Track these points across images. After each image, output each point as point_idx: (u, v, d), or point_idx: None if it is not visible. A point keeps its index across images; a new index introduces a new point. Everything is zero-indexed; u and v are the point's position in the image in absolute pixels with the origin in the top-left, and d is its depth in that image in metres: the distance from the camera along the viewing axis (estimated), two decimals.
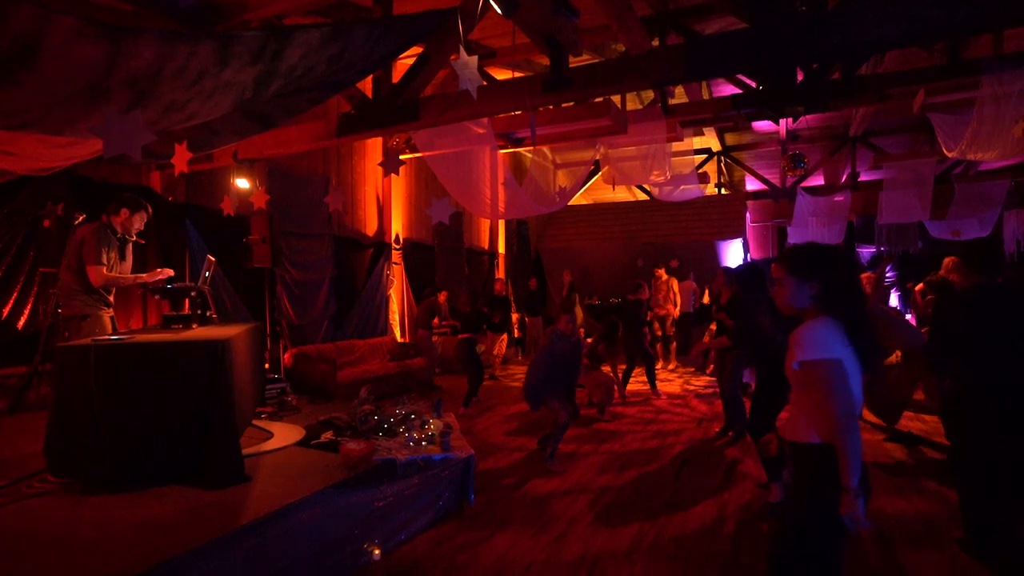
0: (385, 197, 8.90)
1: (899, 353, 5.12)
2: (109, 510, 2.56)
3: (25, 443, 3.40)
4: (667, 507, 3.73)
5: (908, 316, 6.44)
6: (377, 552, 2.98)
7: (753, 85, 6.37)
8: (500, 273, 11.99)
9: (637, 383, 7.89)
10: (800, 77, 5.29)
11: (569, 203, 10.59)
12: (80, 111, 2.70)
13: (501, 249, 12.27)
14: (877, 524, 3.39)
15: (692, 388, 7.81)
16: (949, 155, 6.21)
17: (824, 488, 1.65)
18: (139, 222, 4.06)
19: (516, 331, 11.19)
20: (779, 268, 1.82)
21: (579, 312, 11.19)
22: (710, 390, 7.70)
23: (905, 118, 11.09)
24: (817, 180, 13.18)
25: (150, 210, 4.16)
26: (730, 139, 13.59)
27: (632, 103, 8.87)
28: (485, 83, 4.10)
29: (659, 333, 9.83)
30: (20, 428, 3.92)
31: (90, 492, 2.75)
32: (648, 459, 4.76)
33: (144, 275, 4.10)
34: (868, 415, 5.69)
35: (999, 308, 2.94)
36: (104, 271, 3.80)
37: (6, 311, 4.71)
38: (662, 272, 10.06)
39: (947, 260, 6.59)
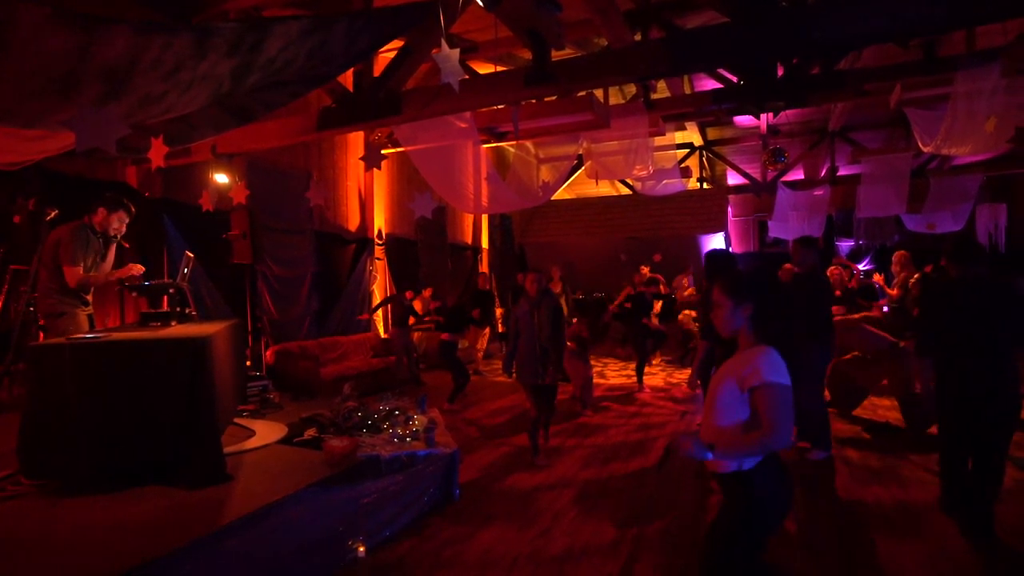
0: (367, 192, 8.82)
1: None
2: (86, 512, 2.51)
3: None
4: (651, 499, 3.76)
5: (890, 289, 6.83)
6: (362, 549, 2.96)
7: (734, 80, 6.42)
8: (484, 268, 11.98)
9: (622, 376, 7.95)
10: (780, 72, 5.34)
11: (552, 198, 10.60)
12: (52, 103, 2.63)
13: (485, 244, 12.25)
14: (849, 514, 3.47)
15: (675, 381, 7.88)
16: (925, 150, 6.33)
17: (750, 515, 1.81)
18: (117, 222, 3.95)
19: (500, 326, 11.18)
20: (717, 291, 1.95)
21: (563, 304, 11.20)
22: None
23: (882, 113, 11.26)
24: (797, 175, 13.35)
25: (133, 209, 4.05)
26: (712, 134, 13.70)
27: (615, 98, 8.88)
28: (467, 76, 4.07)
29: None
30: None
31: (66, 494, 2.69)
32: (632, 452, 4.80)
33: (116, 272, 4.00)
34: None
35: (972, 300, 3.11)
36: (80, 272, 3.72)
37: None
38: (646, 270, 10.12)
39: (897, 254, 6.91)
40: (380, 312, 8.85)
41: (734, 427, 1.83)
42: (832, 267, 7.70)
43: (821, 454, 4.39)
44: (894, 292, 6.78)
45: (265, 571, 2.48)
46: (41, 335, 3.91)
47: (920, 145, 6.29)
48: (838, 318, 5.67)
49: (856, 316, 5.60)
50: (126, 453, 2.81)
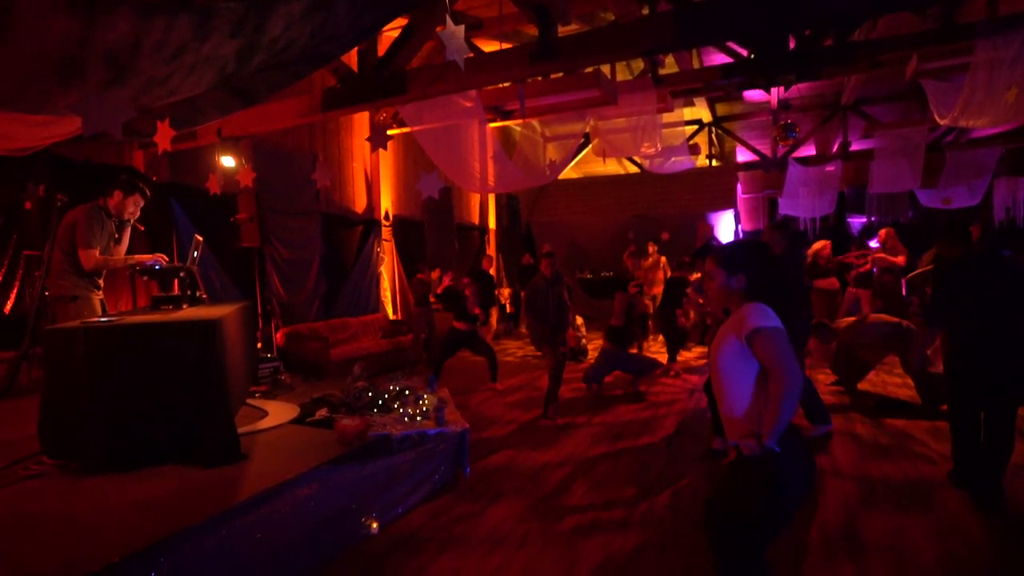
0: (373, 173, 8.79)
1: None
2: (106, 491, 2.57)
3: (19, 426, 3.39)
4: (660, 476, 3.79)
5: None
6: (375, 525, 3.02)
7: (744, 53, 6.28)
8: (491, 248, 11.96)
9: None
10: (792, 44, 5.22)
11: (559, 177, 10.51)
12: (56, 88, 2.62)
13: (492, 224, 12.21)
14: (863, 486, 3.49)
15: (683, 360, 7.89)
16: (941, 122, 6.17)
17: (773, 498, 1.72)
18: (133, 205, 3.97)
19: (509, 306, 11.21)
20: (710, 262, 1.92)
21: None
22: (702, 361, 7.79)
23: (897, 85, 11.00)
24: (808, 150, 13.13)
25: (148, 192, 4.07)
26: (721, 109, 13.47)
27: (622, 74, 8.74)
28: (472, 54, 4.02)
29: (650, 311, 9.89)
30: (13, 411, 3.90)
31: (86, 473, 2.75)
32: (641, 430, 4.83)
33: (137, 257, 4.02)
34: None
35: (978, 276, 3.18)
36: (95, 255, 3.74)
37: None
38: (653, 248, 10.08)
39: (882, 232, 7.00)
40: (389, 294, 8.89)
41: (750, 395, 1.77)
42: (821, 241, 7.72)
43: (822, 429, 4.40)
44: (900, 259, 6.84)
45: (280, 547, 2.54)
46: (52, 315, 3.95)
47: (936, 118, 6.14)
48: (843, 320, 5.63)
49: (852, 319, 5.54)
50: (142, 434, 2.86)
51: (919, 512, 3.16)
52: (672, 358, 7.27)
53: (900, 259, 7.22)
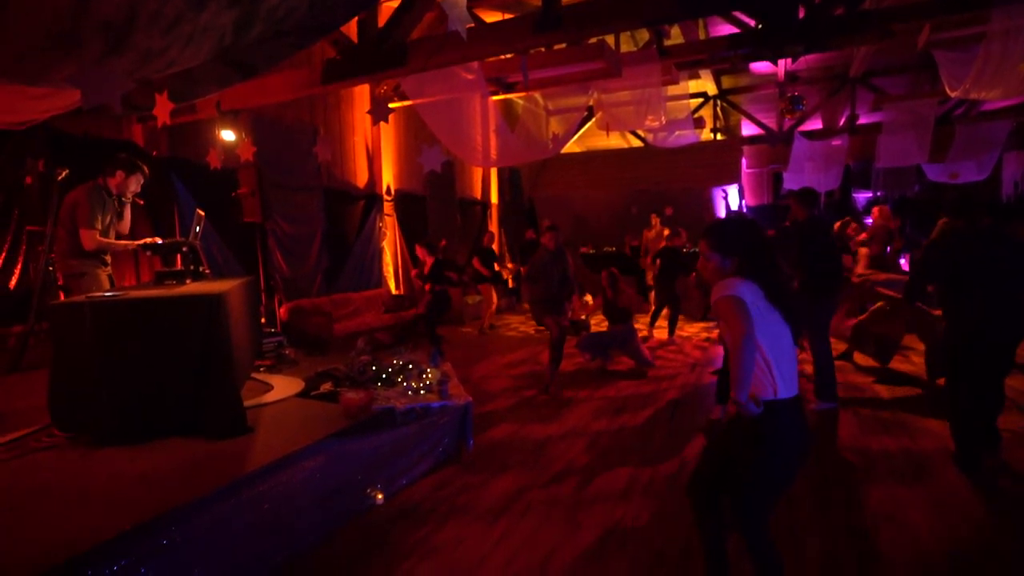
0: (375, 147, 8.71)
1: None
2: (116, 462, 2.62)
3: (29, 399, 3.43)
4: (662, 448, 3.84)
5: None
6: (380, 496, 3.08)
7: (751, 24, 6.14)
8: (493, 223, 11.91)
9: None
10: (801, 13, 5.09)
11: (562, 150, 10.41)
12: (52, 59, 2.58)
13: (494, 199, 12.14)
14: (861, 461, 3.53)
15: (686, 335, 7.92)
16: (952, 94, 6.06)
17: (764, 438, 1.84)
18: (135, 184, 4.02)
19: (511, 282, 11.21)
20: (703, 244, 1.97)
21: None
22: (703, 335, 7.82)
23: (907, 57, 10.77)
24: (815, 124, 12.93)
25: (147, 171, 4.09)
26: (727, 82, 13.23)
27: (626, 45, 8.57)
28: (473, 24, 3.94)
29: (651, 283, 9.92)
30: (23, 385, 3.95)
31: (96, 446, 2.80)
32: (643, 403, 4.87)
33: (135, 242, 4.07)
34: (859, 357, 5.82)
35: (978, 251, 3.23)
36: (97, 235, 3.77)
37: None
38: (656, 220, 10.04)
39: (875, 210, 6.94)
40: (391, 269, 8.89)
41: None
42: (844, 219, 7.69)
43: (824, 405, 4.43)
44: (863, 250, 6.78)
45: (288, 517, 2.59)
46: (61, 295, 3.99)
47: (947, 90, 6.02)
48: (855, 279, 5.64)
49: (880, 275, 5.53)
50: (149, 407, 2.90)
51: (918, 485, 3.20)
52: (671, 330, 7.42)
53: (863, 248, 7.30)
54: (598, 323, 7.99)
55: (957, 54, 5.85)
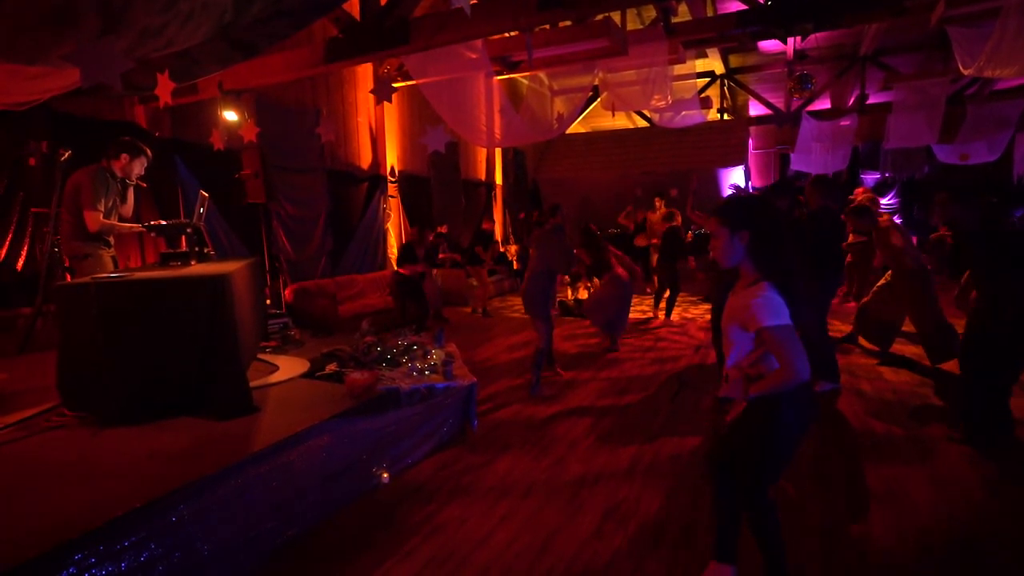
0: (378, 128, 8.65)
1: (889, 275, 5.13)
2: (125, 441, 2.65)
3: (39, 379, 3.47)
4: (664, 429, 3.86)
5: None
6: (385, 476, 3.12)
7: (761, 0, 6.02)
8: (497, 205, 11.86)
9: (636, 312, 7.99)
10: None
11: (567, 131, 10.31)
12: (48, 38, 2.56)
13: (498, 180, 12.07)
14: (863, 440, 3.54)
15: (690, 317, 7.91)
16: (965, 72, 5.94)
17: (775, 437, 1.89)
18: (139, 167, 4.05)
19: (516, 263, 11.20)
20: (714, 221, 1.92)
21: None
22: (707, 317, 7.81)
23: (919, 34, 10.57)
24: (823, 104, 12.75)
25: (150, 154, 4.10)
26: (734, 61, 13.05)
27: (632, 23, 8.43)
28: (476, 0, 3.88)
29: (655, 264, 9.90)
30: (32, 366, 4.00)
31: (104, 425, 2.83)
32: (647, 384, 4.89)
33: (139, 225, 4.09)
34: (863, 341, 5.80)
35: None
36: (100, 217, 3.79)
37: (3, 252, 4.68)
38: (660, 203, 9.97)
39: (857, 191, 7.05)
40: (395, 251, 8.89)
41: (749, 349, 1.90)
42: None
43: (828, 385, 4.43)
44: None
45: (294, 495, 2.62)
46: (68, 276, 4.02)
47: (960, 67, 5.91)
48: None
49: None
50: (156, 387, 2.92)
51: (917, 463, 3.22)
52: (668, 311, 7.57)
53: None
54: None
55: (971, 30, 5.73)
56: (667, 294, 7.63)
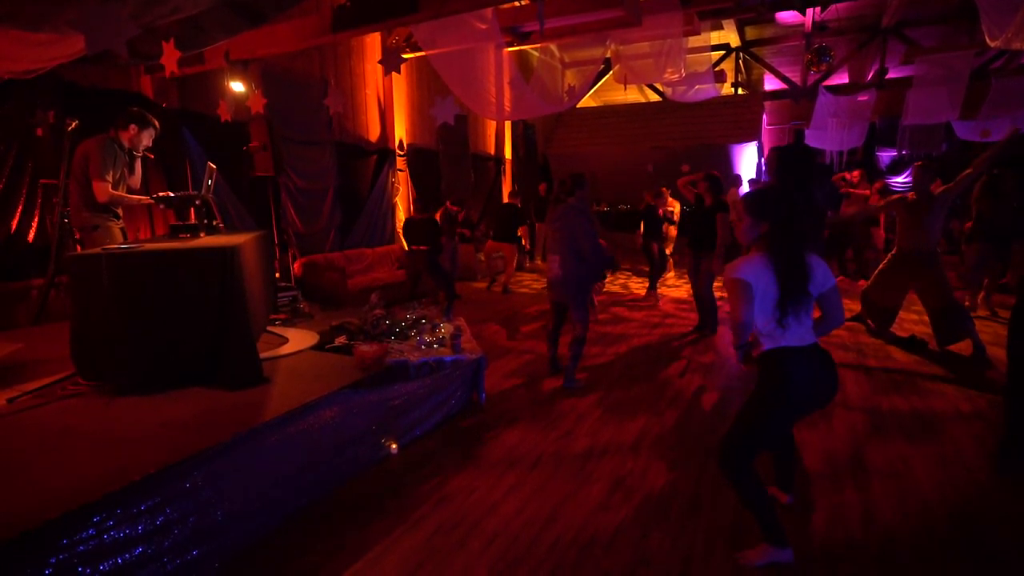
0: (387, 101, 8.55)
1: (891, 256, 5.06)
2: (138, 410, 2.69)
3: (54, 349, 3.52)
4: (671, 404, 3.88)
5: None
6: (394, 446, 3.16)
7: None
8: (507, 179, 11.75)
9: (643, 289, 7.96)
10: None
11: (578, 105, 10.13)
12: (53, 3, 2.52)
13: (508, 154, 11.94)
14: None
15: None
16: (992, 44, 5.71)
17: (780, 389, 2.09)
18: (147, 138, 4.04)
19: (525, 240, 11.14)
20: (740, 207, 2.20)
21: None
22: (717, 295, 7.77)
23: (944, 5, 10.23)
24: (840, 78, 12.43)
25: (158, 125, 4.08)
26: (750, 33, 12.71)
27: None
28: None
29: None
30: (48, 335, 4.05)
31: (118, 394, 2.87)
32: (654, 361, 4.89)
33: (145, 198, 4.08)
34: (871, 322, 5.75)
35: None
36: (109, 188, 3.78)
37: (14, 224, 4.71)
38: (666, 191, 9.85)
39: (856, 172, 7.26)
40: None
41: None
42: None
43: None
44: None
45: (304, 464, 2.66)
46: (78, 248, 4.04)
47: (987, 39, 5.68)
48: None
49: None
50: (168, 358, 2.96)
51: (923, 441, 3.22)
52: (652, 285, 7.69)
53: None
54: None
55: None
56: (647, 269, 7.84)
